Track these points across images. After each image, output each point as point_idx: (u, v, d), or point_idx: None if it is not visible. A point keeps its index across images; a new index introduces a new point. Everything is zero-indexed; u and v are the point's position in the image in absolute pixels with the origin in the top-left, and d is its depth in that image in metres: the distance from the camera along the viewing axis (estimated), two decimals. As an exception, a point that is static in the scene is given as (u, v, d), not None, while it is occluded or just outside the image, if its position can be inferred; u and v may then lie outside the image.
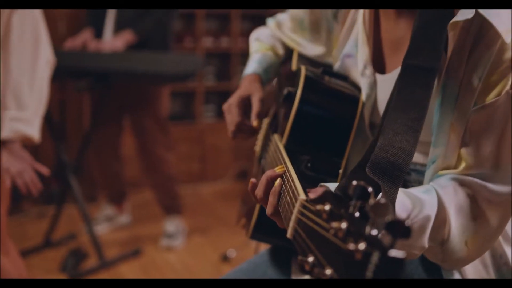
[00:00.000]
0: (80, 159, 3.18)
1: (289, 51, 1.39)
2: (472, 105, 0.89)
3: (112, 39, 3.02)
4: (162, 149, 3.34)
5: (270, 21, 1.42)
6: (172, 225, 3.40)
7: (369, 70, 1.07)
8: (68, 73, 2.95)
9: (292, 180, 0.80)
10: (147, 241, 3.38)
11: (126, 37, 3.01)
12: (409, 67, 0.89)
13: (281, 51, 1.39)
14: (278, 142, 1.08)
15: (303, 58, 1.32)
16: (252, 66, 1.34)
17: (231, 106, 1.24)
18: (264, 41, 1.39)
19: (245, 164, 4.78)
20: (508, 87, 0.87)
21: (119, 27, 3.10)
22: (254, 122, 1.20)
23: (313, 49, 1.28)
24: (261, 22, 4.92)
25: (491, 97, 0.88)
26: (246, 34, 4.81)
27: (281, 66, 1.39)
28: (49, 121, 2.93)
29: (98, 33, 3.17)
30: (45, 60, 1.76)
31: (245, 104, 1.24)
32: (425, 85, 0.88)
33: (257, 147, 1.39)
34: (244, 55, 4.80)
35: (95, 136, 3.34)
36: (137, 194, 4.13)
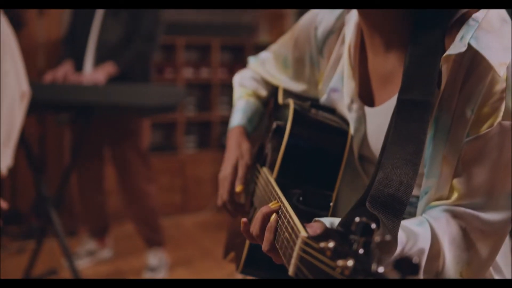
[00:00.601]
0: (61, 193, 3.14)
1: (273, 88, 1.39)
2: (465, 137, 0.90)
3: (93, 72, 3.01)
4: (143, 181, 3.32)
5: (253, 60, 1.42)
6: (154, 258, 3.36)
7: (356, 105, 1.08)
8: (48, 107, 2.93)
9: (290, 216, 0.80)
10: (130, 275, 3.32)
11: (107, 69, 3.00)
12: (404, 102, 0.90)
13: (264, 92, 1.40)
14: (269, 177, 1.08)
15: (288, 92, 1.32)
16: (237, 116, 1.35)
17: (224, 179, 1.25)
18: (246, 85, 1.40)
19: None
20: (500, 118, 0.88)
21: (99, 59, 3.10)
22: (238, 188, 1.21)
23: (295, 86, 1.29)
24: (241, 52, 4.98)
25: (484, 128, 0.89)
26: (226, 65, 4.85)
27: (266, 106, 1.40)
28: (29, 155, 2.90)
29: (79, 66, 3.16)
30: (15, 91, 1.74)
31: (235, 174, 1.26)
32: (421, 119, 0.89)
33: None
34: (224, 85, 4.83)
35: (78, 169, 3.31)
36: (119, 227, 4.08)
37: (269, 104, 1.39)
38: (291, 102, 1.12)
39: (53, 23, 4.09)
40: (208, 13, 4.81)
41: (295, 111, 1.09)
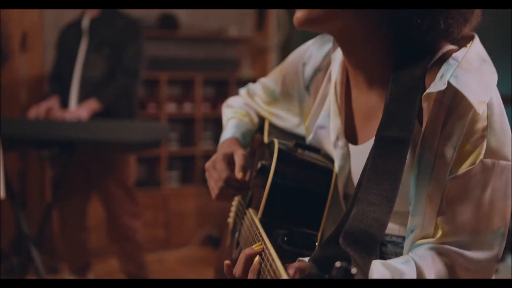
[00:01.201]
0: (42, 230, 3.10)
1: (261, 121, 1.40)
2: (447, 175, 0.91)
3: (77, 108, 3.00)
4: (130, 217, 3.29)
5: (242, 91, 1.43)
6: (138, 295, 3.31)
7: (341, 142, 1.09)
8: (31, 143, 2.91)
9: (273, 259, 0.80)
10: (112, 313, 3.26)
11: (90, 106, 3.00)
12: (382, 138, 0.91)
13: (256, 119, 1.40)
14: (254, 217, 1.08)
15: (274, 129, 1.33)
16: (229, 131, 1.33)
17: (216, 162, 1.19)
18: (238, 108, 1.40)
19: (210, 230, 4.73)
20: (482, 156, 0.90)
21: (84, 95, 3.09)
22: (239, 175, 1.16)
23: (292, 119, 1.30)
24: (224, 87, 5.00)
25: (466, 166, 0.90)
26: (209, 100, 4.87)
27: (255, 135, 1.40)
28: (10, 191, 2.87)
29: (64, 102, 3.15)
30: None
31: (229, 161, 1.20)
32: (399, 156, 0.90)
33: (230, 219, 1.38)
34: (207, 120, 4.84)
35: (60, 206, 3.27)
36: (101, 264, 4.02)
37: (253, 142, 1.40)
38: (275, 141, 1.13)
39: (35, 58, 4.09)
40: (191, 49, 4.85)
41: (280, 150, 1.10)
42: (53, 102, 3.08)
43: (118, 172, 3.24)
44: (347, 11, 0.95)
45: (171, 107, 4.70)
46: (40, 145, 3.00)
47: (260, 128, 1.38)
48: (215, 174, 1.18)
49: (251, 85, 1.41)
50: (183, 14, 4.75)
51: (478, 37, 0.99)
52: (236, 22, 4.97)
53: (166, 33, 4.62)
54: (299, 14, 0.98)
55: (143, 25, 4.31)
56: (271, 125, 1.34)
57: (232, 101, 1.43)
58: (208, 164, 1.21)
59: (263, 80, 1.36)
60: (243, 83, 5.33)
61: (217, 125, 4.86)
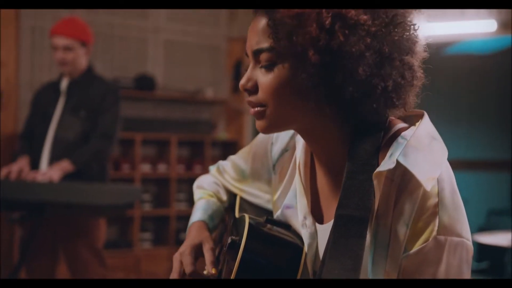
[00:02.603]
0: (8, 295, 3.00)
1: (232, 199, 1.39)
2: (402, 252, 0.92)
3: (48, 169, 2.97)
4: (96, 281, 3.21)
5: (212, 168, 1.43)
6: None
7: (308, 221, 1.09)
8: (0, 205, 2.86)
9: None
10: None
11: (64, 167, 2.97)
12: (341, 217, 0.92)
13: (224, 197, 1.40)
14: (223, 294, 1.06)
15: (246, 203, 1.32)
16: (197, 213, 1.33)
17: (183, 255, 1.19)
18: (207, 188, 1.40)
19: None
20: (435, 232, 0.90)
21: (56, 157, 3.06)
22: (213, 270, 1.16)
23: (262, 196, 1.30)
24: (199, 148, 5.01)
25: (419, 244, 0.90)
26: (184, 161, 4.86)
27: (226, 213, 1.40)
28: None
29: (35, 162, 3.11)
30: None
31: (196, 253, 1.20)
32: (358, 234, 0.90)
33: None
34: (182, 181, 4.82)
35: (28, 268, 3.18)
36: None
37: (225, 217, 1.39)
38: (246, 216, 1.12)
39: (9, 117, 4.07)
40: (167, 109, 4.87)
41: (250, 226, 1.09)
42: (23, 163, 3.04)
43: (87, 234, 3.17)
44: (305, 115, 0.98)
45: (145, 168, 4.68)
46: (8, 207, 2.94)
47: (232, 203, 1.37)
48: (179, 267, 1.18)
49: (221, 162, 1.42)
50: (160, 75, 4.80)
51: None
52: (212, 84, 5.03)
53: (143, 93, 4.65)
54: (258, 124, 1.02)
55: (120, 85, 4.36)
56: (243, 199, 1.34)
57: (201, 180, 1.43)
58: (175, 256, 1.21)
59: (233, 157, 1.37)
60: (218, 144, 5.38)
61: (191, 186, 4.81)
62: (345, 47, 0.89)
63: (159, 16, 4.79)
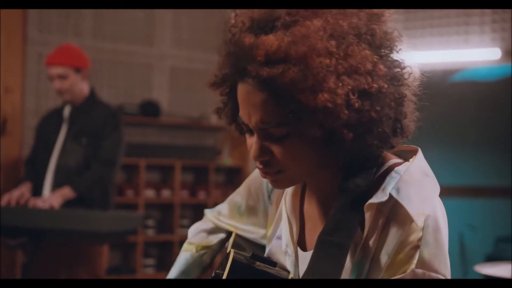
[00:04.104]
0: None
1: (229, 236, 1.40)
2: None
3: (50, 196, 2.98)
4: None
5: (208, 212, 1.44)
6: None
7: (290, 249, 1.10)
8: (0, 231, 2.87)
9: None
10: None
11: (65, 193, 2.98)
12: (323, 241, 0.94)
13: (214, 240, 1.40)
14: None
15: (241, 239, 1.33)
16: (172, 270, 1.35)
17: None
18: (191, 240, 1.41)
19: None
20: (413, 265, 0.91)
21: (58, 183, 3.08)
22: None
23: (257, 231, 1.30)
24: (203, 174, 5.01)
25: (397, 274, 0.92)
26: (188, 187, 4.87)
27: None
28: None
29: (38, 188, 3.13)
30: None
31: None
32: (336, 260, 0.92)
33: None
34: (186, 207, 4.82)
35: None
36: None
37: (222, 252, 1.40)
38: (232, 251, 1.12)
39: (14, 143, 4.10)
40: (172, 135, 4.90)
41: (234, 261, 1.09)
42: (24, 189, 3.06)
43: (88, 260, 3.16)
44: (314, 166, 1.00)
45: (149, 193, 4.69)
46: (8, 234, 2.95)
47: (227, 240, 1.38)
48: None
49: (218, 206, 1.43)
50: (165, 101, 4.83)
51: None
52: (217, 110, 5.05)
53: (148, 119, 4.68)
54: (276, 185, 1.04)
55: (125, 111, 4.39)
56: (238, 235, 1.35)
57: (191, 230, 1.45)
58: None
59: (230, 197, 1.38)
60: (222, 170, 5.38)
61: (195, 212, 4.84)
62: (377, 118, 0.92)
63: (164, 42, 4.84)
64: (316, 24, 0.92)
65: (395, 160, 1.02)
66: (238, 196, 1.34)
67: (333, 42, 0.91)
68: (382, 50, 0.95)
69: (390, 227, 0.93)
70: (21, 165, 3.99)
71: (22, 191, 3.04)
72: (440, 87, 5.56)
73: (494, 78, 4.62)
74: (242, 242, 1.32)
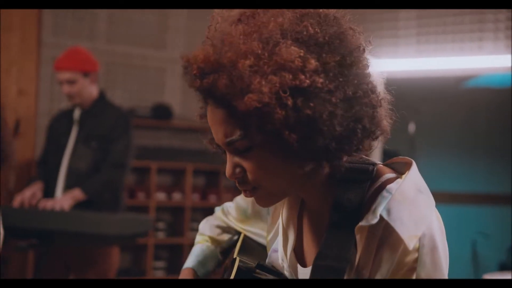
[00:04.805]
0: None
1: (237, 234, 1.40)
2: None
3: (61, 198, 3.00)
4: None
5: (218, 210, 1.44)
6: None
7: (285, 263, 1.09)
8: (10, 233, 2.89)
9: None
10: None
11: (75, 195, 3.00)
12: (319, 267, 0.92)
13: (226, 237, 1.40)
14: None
15: (251, 241, 1.33)
16: (188, 260, 1.35)
17: None
18: (205, 233, 1.41)
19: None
20: None
21: (69, 186, 3.10)
22: None
23: (265, 235, 1.30)
24: (215, 178, 5.01)
25: None
26: (199, 190, 4.87)
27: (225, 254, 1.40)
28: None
29: (50, 190, 3.15)
30: None
31: None
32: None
33: None
34: (197, 210, 4.83)
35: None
36: None
37: (229, 256, 1.40)
38: (237, 260, 1.12)
39: (27, 144, 4.14)
40: (183, 139, 4.91)
41: (238, 270, 1.09)
42: (36, 188, 3.08)
43: (98, 262, 3.18)
44: (297, 178, 0.98)
45: (160, 196, 4.70)
46: (19, 235, 2.98)
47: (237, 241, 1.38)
48: None
49: (225, 204, 1.43)
50: (177, 105, 4.85)
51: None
52: (229, 114, 5.06)
53: (160, 122, 4.70)
54: (259, 203, 1.02)
55: (137, 114, 4.41)
56: (248, 237, 1.35)
57: (203, 225, 1.45)
58: None
59: (237, 198, 1.38)
60: (233, 174, 5.34)
61: (206, 215, 4.74)
62: (315, 116, 0.88)
63: (177, 46, 4.86)
64: (239, 29, 0.91)
65: (388, 175, 0.98)
66: (243, 200, 1.33)
67: (257, 43, 0.89)
68: (325, 47, 0.91)
69: (383, 250, 0.91)
70: (34, 166, 4.02)
71: (34, 191, 3.07)
72: (454, 94, 5.54)
73: (508, 85, 4.58)
74: (251, 242, 1.32)
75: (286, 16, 0.92)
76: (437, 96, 5.00)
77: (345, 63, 0.91)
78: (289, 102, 0.87)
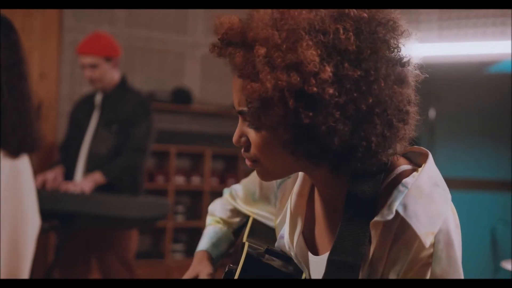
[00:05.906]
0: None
1: (246, 218, 1.40)
2: None
3: (81, 181, 3.03)
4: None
5: (226, 192, 1.44)
6: None
7: (292, 251, 1.08)
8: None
9: None
10: None
11: (96, 179, 3.03)
12: (333, 262, 0.91)
13: (237, 219, 1.41)
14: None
15: (260, 224, 1.33)
16: (202, 242, 1.36)
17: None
18: (216, 214, 1.42)
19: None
20: None
21: (90, 169, 3.13)
22: None
23: (273, 218, 1.30)
24: (233, 162, 5.03)
25: None
26: (218, 174, 4.89)
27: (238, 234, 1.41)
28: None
29: (71, 174, 3.19)
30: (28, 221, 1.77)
31: None
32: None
33: None
34: (215, 194, 4.84)
35: (63, 276, 3.25)
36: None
37: (237, 240, 1.40)
38: (246, 244, 1.12)
39: (49, 128, 4.18)
40: (203, 123, 4.92)
41: (247, 256, 1.09)
42: (57, 172, 3.12)
43: (118, 245, 3.22)
44: (299, 167, 0.98)
45: (179, 180, 4.73)
46: (41, 217, 3.01)
47: (246, 224, 1.38)
48: None
49: (233, 187, 1.42)
50: (196, 89, 4.86)
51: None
52: (248, 99, 5.06)
53: (179, 107, 4.71)
54: (257, 174, 1.01)
55: (157, 99, 4.43)
56: (256, 220, 1.35)
57: (213, 206, 1.45)
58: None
59: (244, 181, 1.37)
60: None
61: (224, 199, 4.85)
62: (313, 125, 0.85)
63: (197, 31, 4.86)
64: (269, 11, 0.88)
65: (404, 166, 0.96)
66: (252, 184, 1.33)
67: (278, 33, 0.85)
68: (350, 56, 0.84)
69: (398, 245, 0.90)
70: (56, 150, 4.07)
71: (55, 173, 3.10)
72: (476, 79, 5.46)
73: (531, 71, 4.50)
74: (259, 225, 1.32)
75: (320, 13, 0.86)
76: (459, 82, 4.94)
77: (366, 78, 0.85)
78: (291, 103, 0.84)
